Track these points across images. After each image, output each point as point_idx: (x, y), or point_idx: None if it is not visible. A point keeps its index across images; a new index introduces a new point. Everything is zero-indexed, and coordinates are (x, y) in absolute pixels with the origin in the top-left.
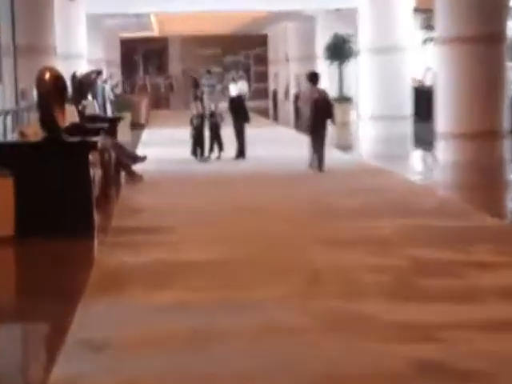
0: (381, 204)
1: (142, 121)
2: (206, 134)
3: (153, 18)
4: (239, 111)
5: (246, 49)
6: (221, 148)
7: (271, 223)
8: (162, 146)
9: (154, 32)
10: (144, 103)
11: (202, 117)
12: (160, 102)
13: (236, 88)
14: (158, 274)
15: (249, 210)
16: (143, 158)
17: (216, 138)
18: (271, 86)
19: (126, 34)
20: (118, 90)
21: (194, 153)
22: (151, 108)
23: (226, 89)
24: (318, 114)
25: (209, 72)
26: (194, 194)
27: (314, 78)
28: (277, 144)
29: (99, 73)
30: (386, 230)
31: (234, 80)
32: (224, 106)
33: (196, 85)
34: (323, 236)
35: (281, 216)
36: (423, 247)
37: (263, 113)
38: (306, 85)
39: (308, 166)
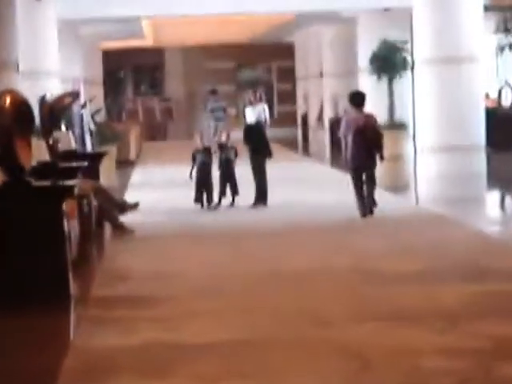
0: (446, 265)
1: (132, 156)
2: (215, 173)
3: (145, 24)
4: (258, 143)
5: (267, 61)
6: (235, 192)
7: (303, 293)
8: (158, 189)
9: (147, 41)
10: (134, 133)
11: (208, 151)
12: (155, 131)
13: (254, 112)
14: (153, 360)
15: (272, 276)
16: (134, 206)
17: (229, 178)
18: (300, 110)
19: (111, 43)
20: (101, 117)
21: (199, 199)
22: (144, 139)
23: (240, 114)
24: (365, 146)
25: (214, 92)
26: (199, 255)
27: (358, 99)
28: (308, 186)
29: (76, 95)
30: (454, 300)
31: (251, 102)
32: (238, 135)
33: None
34: (373, 309)
35: (316, 283)
36: (503, 322)
37: (290, 144)
38: (347, 108)
39: (359, 214)
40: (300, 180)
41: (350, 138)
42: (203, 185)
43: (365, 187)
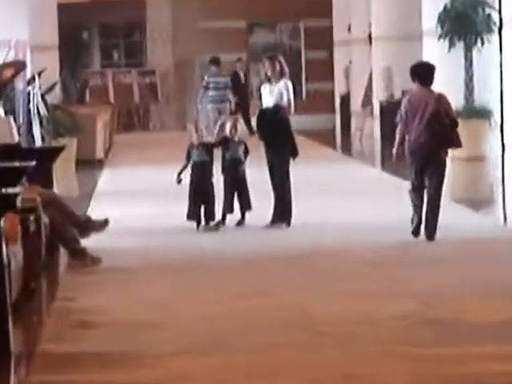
0: None
1: (99, 154)
2: (218, 178)
3: None
4: (278, 135)
5: (292, 19)
6: (246, 205)
7: (343, 357)
8: (136, 201)
9: None
10: (102, 121)
11: (208, 147)
12: (132, 117)
13: (272, 92)
14: None
15: (298, 328)
16: (101, 225)
17: (237, 186)
18: (339, 89)
19: None
20: (55, 98)
21: (194, 215)
22: (116, 129)
23: (252, 94)
24: (432, 137)
25: (215, 62)
26: (192, 295)
27: (425, 73)
28: (349, 196)
29: (20, 66)
30: None
31: (269, 77)
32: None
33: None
34: None
35: (363, 342)
36: None
37: (324, 137)
38: (410, 86)
39: (411, 234)
40: (337, 189)
41: (413, 125)
42: (200, 195)
43: (426, 193)
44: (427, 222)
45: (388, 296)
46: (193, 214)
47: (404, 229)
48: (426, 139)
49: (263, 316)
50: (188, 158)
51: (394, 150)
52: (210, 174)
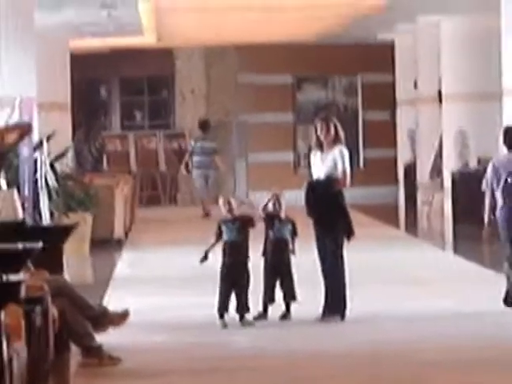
0: None
1: (118, 233)
2: (255, 265)
3: (144, 9)
4: (330, 212)
5: (347, 73)
6: (291, 295)
7: None
8: (161, 289)
9: (147, 38)
10: (122, 194)
11: (243, 222)
12: (158, 189)
13: (324, 160)
14: None
15: None
16: (121, 318)
17: (280, 271)
18: (402, 156)
19: (85, 42)
20: (67, 166)
21: (225, 307)
22: (138, 204)
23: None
24: None
25: (204, 126)
26: None
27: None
28: (414, 284)
29: (25, 129)
30: None
31: (320, 142)
32: (295, 198)
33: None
34: None
35: None
36: None
37: (385, 214)
38: (488, 153)
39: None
40: (401, 276)
41: (498, 192)
42: (233, 282)
43: None
44: None
45: None
46: (223, 306)
47: (485, 324)
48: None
49: None
50: (218, 234)
51: (486, 217)
52: (246, 257)
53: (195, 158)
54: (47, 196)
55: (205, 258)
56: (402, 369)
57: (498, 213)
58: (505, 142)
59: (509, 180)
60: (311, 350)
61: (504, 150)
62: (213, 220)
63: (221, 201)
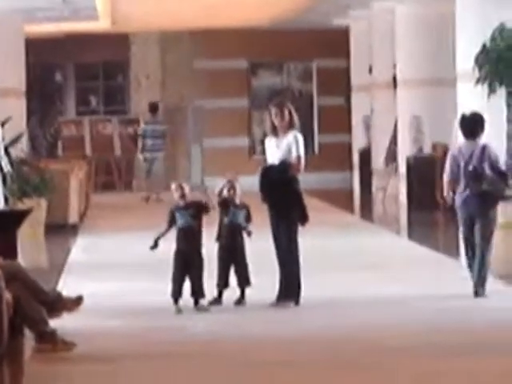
0: None
1: (73, 218)
2: (209, 250)
3: None
4: (284, 198)
5: (302, 59)
6: (245, 280)
7: None
8: (116, 275)
9: (102, 23)
10: (77, 179)
11: (196, 207)
12: (112, 174)
13: (279, 146)
14: None
15: None
16: (75, 303)
17: (234, 257)
18: (357, 142)
19: (40, 27)
20: (21, 151)
21: (178, 292)
22: (93, 189)
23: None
24: (480, 190)
25: (153, 108)
26: None
27: (471, 126)
28: (368, 269)
29: None
30: None
31: (275, 127)
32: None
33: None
34: None
35: None
36: None
37: (339, 200)
38: (442, 139)
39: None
40: (355, 261)
41: (460, 179)
42: (186, 267)
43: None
44: (477, 281)
45: None
46: (177, 291)
47: (436, 310)
48: (472, 193)
49: None
50: (171, 220)
51: (446, 196)
52: (199, 242)
53: (148, 142)
54: (2, 181)
55: (155, 245)
56: (358, 354)
57: (456, 197)
58: (462, 130)
59: (469, 168)
60: (266, 335)
61: (461, 138)
62: (164, 205)
63: (173, 186)
